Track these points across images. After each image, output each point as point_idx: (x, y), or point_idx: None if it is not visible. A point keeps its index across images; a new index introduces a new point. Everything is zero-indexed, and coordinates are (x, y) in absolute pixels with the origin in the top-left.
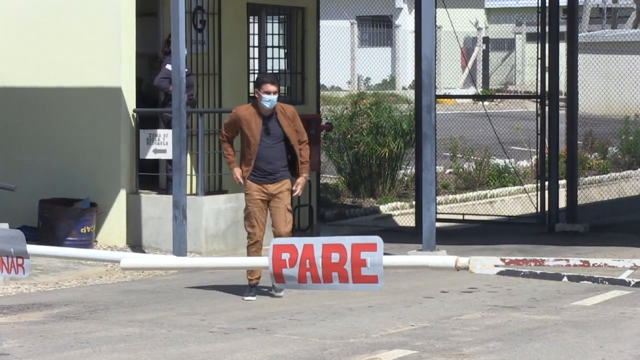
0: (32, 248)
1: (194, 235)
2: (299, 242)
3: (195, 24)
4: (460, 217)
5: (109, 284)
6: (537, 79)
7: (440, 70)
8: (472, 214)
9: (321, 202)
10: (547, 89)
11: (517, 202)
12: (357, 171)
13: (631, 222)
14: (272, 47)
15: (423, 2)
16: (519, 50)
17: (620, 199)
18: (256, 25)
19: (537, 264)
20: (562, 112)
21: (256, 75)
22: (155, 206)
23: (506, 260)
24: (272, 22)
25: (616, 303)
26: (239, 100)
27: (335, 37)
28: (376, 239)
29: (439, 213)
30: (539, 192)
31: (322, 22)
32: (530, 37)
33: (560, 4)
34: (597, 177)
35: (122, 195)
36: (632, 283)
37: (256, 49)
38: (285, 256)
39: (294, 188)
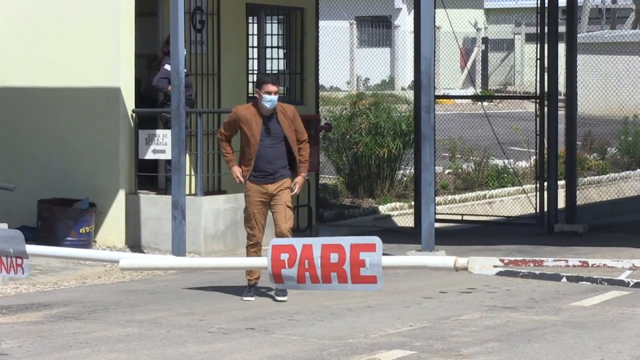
0: (31, 248)
1: (193, 236)
2: (298, 242)
3: (195, 24)
4: (459, 217)
5: (108, 284)
6: (536, 80)
7: (440, 71)
8: (471, 215)
9: (320, 202)
10: (546, 89)
11: (516, 202)
12: (356, 171)
13: (630, 223)
14: (271, 47)
15: (422, 3)
16: (518, 51)
17: (619, 199)
18: (255, 25)
19: (536, 264)
20: (561, 112)
21: (255, 76)
22: (154, 206)
23: (505, 261)
24: (271, 23)
25: (615, 304)
26: (238, 100)
27: (335, 37)
28: (375, 240)
29: (438, 213)
30: (538, 193)
31: (321, 23)
32: (529, 38)
33: (560, 4)
34: (596, 177)
35: (121, 195)
36: (631, 284)
37: (255, 50)
38: (284, 256)
39: (292, 186)
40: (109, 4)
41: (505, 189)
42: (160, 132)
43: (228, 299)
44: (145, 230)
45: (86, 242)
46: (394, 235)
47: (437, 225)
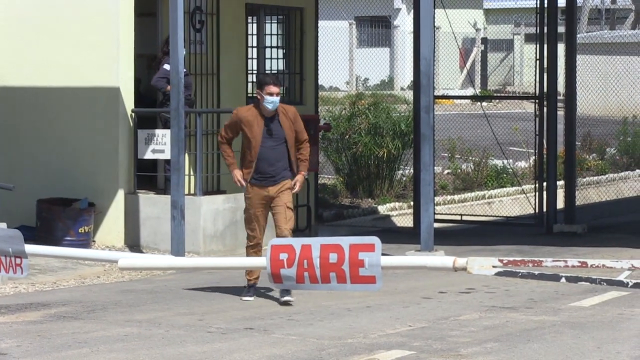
0: (30, 248)
1: (192, 236)
2: (297, 242)
3: (194, 24)
4: (459, 217)
5: (107, 283)
6: (535, 80)
7: (439, 71)
8: (470, 215)
9: (319, 202)
10: (545, 89)
11: (515, 202)
12: (355, 172)
13: (629, 223)
14: (271, 47)
15: (422, 3)
16: (518, 51)
17: (619, 199)
18: (255, 25)
19: (535, 264)
20: (561, 113)
21: (254, 76)
22: (154, 206)
23: (504, 261)
24: (271, 23)
25: (614, 304)
26: (237, 100)
27: (334, 37)
28: (374, 240)
29: (437, 214)
30: (537, 193)
31: (321, 23)
32: (528, 38)
33: (559, 4)
34: (596, 178)
35: (120, 195)
36: (630, 284)
37: (255, 49)
38: (283, 256)
39: (292, 184)
40: (108, 4)
41: (505, 189)
42: (159, 132)
43: (227, 299)
44: (145, 230)
45: (85, 241)
46: (393, 235)
47: (436, 225)
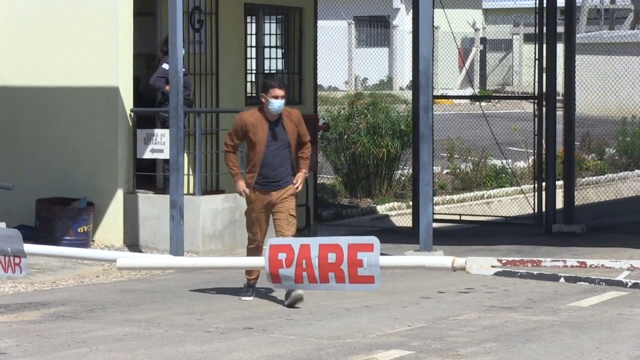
0: (29, 247)
1: (191, 235)
2: (296, 242)
3: (193, 23)
4: (458, 217)
5: (106, 283)
6: (534, 80)
7: (438, 71)
8: (469, 215)
9: (318, 202)
10: (544, 89)
11: (514, 202)
12: (354, 171)
13: (629, 223)
14: (270, 47)
15: (421, 3)
16: (517, 51)
17: (618, 200)
18: (254, 25)
19: (534, 264)
20: (560, 113)
21: (253, 75)
22: (153, 206)
23: (503, 261)
24: (270, 22)
25: (613, 304)
26: (236, 100)
27: (333, 37)
28: (373, 239)
29: (436, 213)
30: (536, 193)
31: (320, 22)
32: (527, 38)
33: (558, 4)
34: (595, 178)
35: (120, 194)
36: (629, 284)
37: (254, 49)
38: (282, 256)
39: (294, 181)
40: (107, 3)
41: (504, 189)
42: (158, 132)
43: (226, 298)
44: (144, 230)
45: (84, 241)
46: (392, 235)
47: (435, 225)
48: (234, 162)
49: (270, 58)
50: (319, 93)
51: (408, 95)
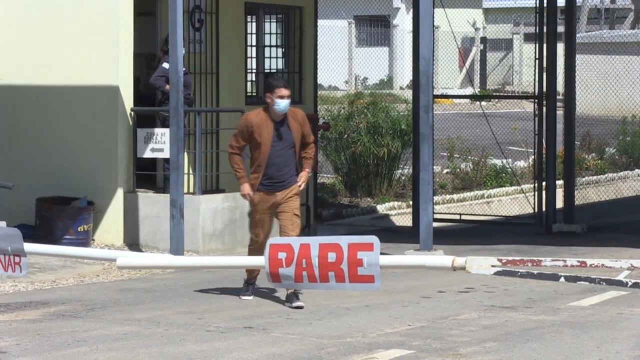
0: (29, 246)
1: (191, 235)
2: (296, 241)
3: (193, 23)
4: (458, 217)
5: (106, 282)
6: (534, 80)
7: (438, 70)
8: (469, 214)
9: (318, 201)
10: (544, 89)
11: (514, 202)
12: (354, 171)
13: (629, 223)
14: (270, 46)
15: (421, 2)
16: (517, 51)
17: (618, 199)
18: (254, 24)
19: (534, 264)
20: (560, 112)
21: (254, 75)
22: (153, 205)
23: (503, 261)
24: (270, 22)
25: (613, 304)
26: (237, 99)
27: (333, 36)
28: (373, 239)
29: (436, 213)
30: (536, 193)
31: (320, 22)
32: (527, 38)
33: (558, 4)
34: (595, 177)
35: (120, 194)
36: (629, 284)
37: (254, 48)
38: (282, 255)
39: (297, 180)
40: (108, 3)
41: (504, 188)
42: (158, 131)
43: (226, 297)
44: (144, 229)
45: (84, 240)
46: (392, 234)
47: (435, 224)
48: (240, 164)
49: (270, 57)
50: (319, 92)
51: (408, 94)
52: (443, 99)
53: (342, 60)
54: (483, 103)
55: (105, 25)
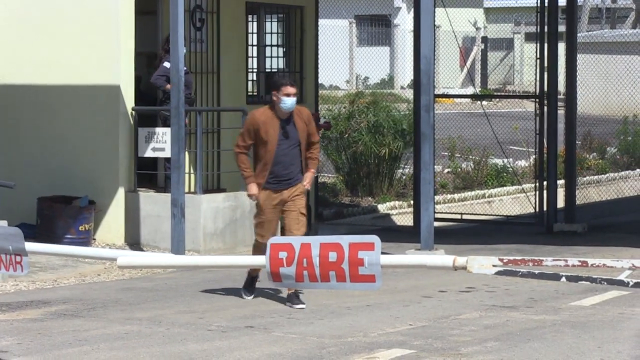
0: (30, 245)
1: (192, 234)
2: (297, 240)
3: (194, 22)
4: (459, 216)
5: (108, 281)
6: (535, 79)
7: (439, 70)
8: (471, 214)
9: (319, 201)
10: (545, 89)
11: (515, 202)
12: (355, 170)
13: (630, 223)
14: (271, 45)
15: (422, 2)
16: (518, 50)
17: (619, 199)
18: (255, 24)
19: (536, 264)
20: (561, 112)
21: (254, 74)
22: (154, 204)
23: (504, 260)
24: (271, 21)
25: (615, 303)
26: (237, 98)
27: (334, 36)
28: (374, 238)
29: (437, 212)
30: (537, 192)
31: (321, 21)
32: (528, 37)
33: (559, 3)
34: (596, 177)
35: (121, 193)
36: (631, 283)
37: (255, 48)
38: (283, 255)
39: (302, 180)
40: (108, 2)
41: (505, 188)
42: (159, 130)
43: (227, 297)
44: (145, 228)
45: (85, 239)
46: (393, 234)
47: (436, 224)
48: (247, 164)
49: (271, 57)
50: (320, 92)
51: (409, 94)
52: (444, 99)
53: (343, 60)
54: (484, 102)
55: (105, 25)
